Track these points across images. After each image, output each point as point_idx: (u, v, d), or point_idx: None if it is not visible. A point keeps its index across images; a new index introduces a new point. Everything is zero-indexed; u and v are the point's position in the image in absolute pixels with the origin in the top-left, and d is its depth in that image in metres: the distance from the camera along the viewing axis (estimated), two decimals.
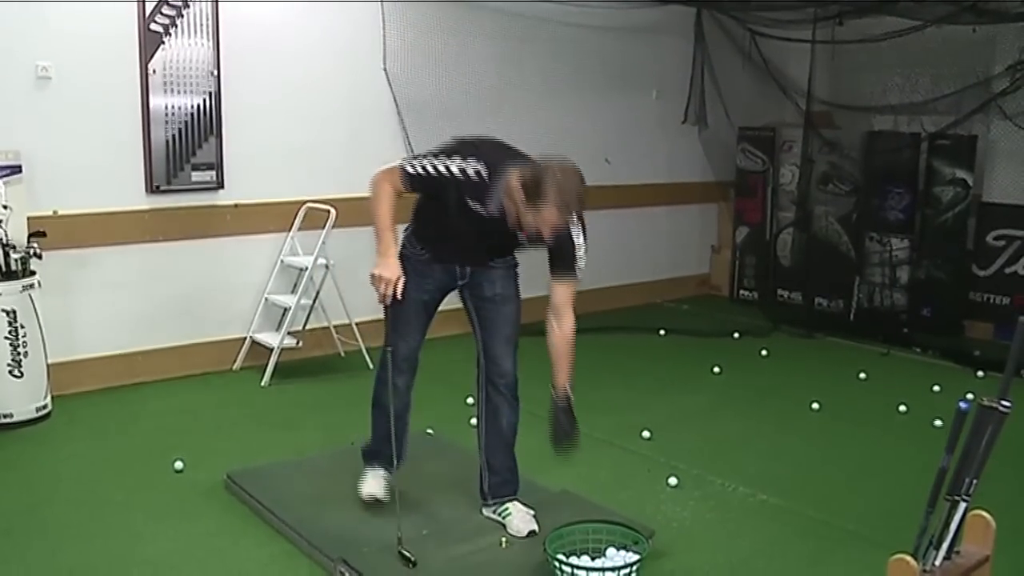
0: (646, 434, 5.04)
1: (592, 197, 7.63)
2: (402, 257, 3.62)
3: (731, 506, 4.22)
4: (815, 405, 5.61)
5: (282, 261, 6.21)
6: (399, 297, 3.48)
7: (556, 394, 3.65)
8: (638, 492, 4.33)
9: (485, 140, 3.63)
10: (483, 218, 3.50)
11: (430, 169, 3.47)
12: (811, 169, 8.13)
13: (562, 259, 3.55)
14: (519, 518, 3.77)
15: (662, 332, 7.39)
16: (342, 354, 6.34)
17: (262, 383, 5.84)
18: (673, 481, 4.41)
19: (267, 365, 5.89)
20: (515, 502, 3.85)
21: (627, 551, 3.39)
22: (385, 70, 6.53)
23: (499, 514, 3.82)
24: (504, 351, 3.78)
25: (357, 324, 6.14)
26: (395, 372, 3.76)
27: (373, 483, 3.94)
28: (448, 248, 3.70)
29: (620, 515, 3.73)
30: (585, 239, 3.55)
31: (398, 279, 3.45)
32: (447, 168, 3.45)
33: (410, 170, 3.50)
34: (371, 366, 6.16)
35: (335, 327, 6.25)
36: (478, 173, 3.42)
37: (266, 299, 6.20)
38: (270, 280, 6.23)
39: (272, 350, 5.92)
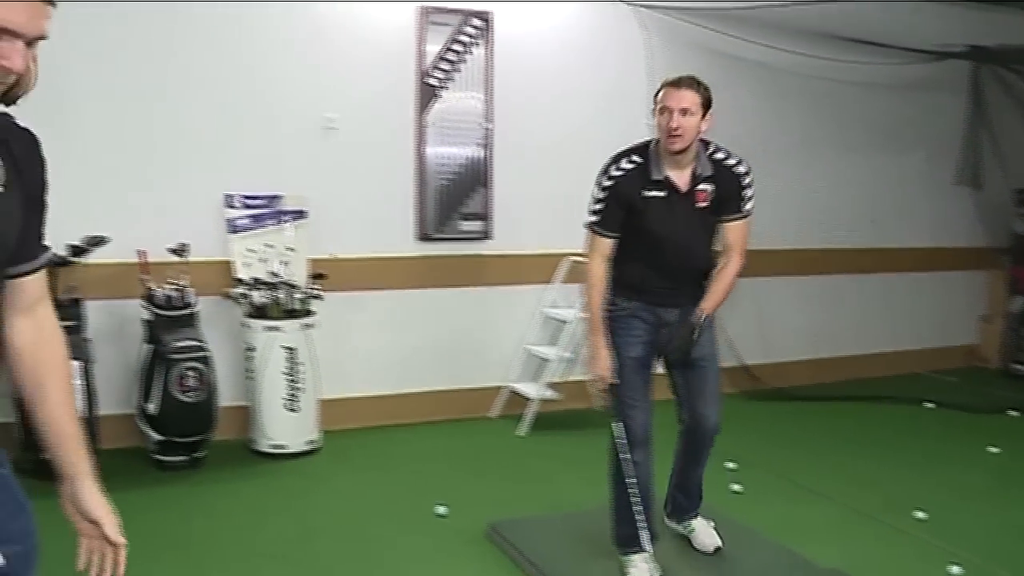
0: (920, 515, 4.70)
1: (856, 261, 7.39)
2: (608, 319, 3.68)
3: None
4: None
5: (543, 312, 6.26)
6: (613, 384, 3.64)
7: (697, 311, 3.65)
8: None
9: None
10: (664, 208, 3.53)
11: (599, 204, 3.60)
12: None
13: (729, 199, 3.60)
14: (704, 532, 3.99)
15: (929, 405, 6.95)
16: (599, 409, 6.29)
17: (519, 432, 5.87)
18: (956, 571, 4.07)
19: (524, 415, 5.92)
20: (698, 518, 4.05)
21: None
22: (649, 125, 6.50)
23: (684, 527, 4.05)
24: (711, 411, 3.82)
25: None
26: (633, 447, 3.71)
27: (642, 570, 3.79)
28: (653, 281, 3.66)
29: None
30: (748, 173, 3.63)
31: (608, 371, 3.61)
32: (603, 188, 3.59)
33: (593, 218, 3.63)
34: None
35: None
36: (620, 153, 3.61)
37: (526, 349, 6.25)
38: (530, 330, 6.29)
39: (530, 400, 5.94)
